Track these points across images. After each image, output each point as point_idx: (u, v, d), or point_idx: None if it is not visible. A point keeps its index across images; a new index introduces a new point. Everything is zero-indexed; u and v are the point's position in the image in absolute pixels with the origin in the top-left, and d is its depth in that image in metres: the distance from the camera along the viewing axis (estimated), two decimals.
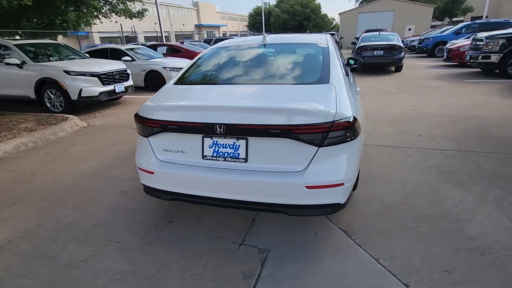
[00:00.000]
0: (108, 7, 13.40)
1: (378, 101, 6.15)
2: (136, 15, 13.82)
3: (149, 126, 1.90)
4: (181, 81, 2.31)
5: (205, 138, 1.80)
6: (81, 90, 5.92)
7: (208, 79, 2.30)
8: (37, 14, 13.10)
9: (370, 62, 10.25)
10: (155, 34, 27.39)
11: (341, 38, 24.65)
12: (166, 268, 1.86)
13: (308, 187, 1.67)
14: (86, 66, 6.24)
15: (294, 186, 1.67)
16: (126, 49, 9.00)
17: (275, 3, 51.70)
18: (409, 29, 30.00)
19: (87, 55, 7.82)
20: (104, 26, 20.76)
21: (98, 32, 32.03)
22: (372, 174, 2.99)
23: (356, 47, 10.58)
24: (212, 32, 56.66)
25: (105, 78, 6.30)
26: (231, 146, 1.76)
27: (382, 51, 9.99)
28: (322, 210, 1.77)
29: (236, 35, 57.45)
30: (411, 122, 4.62)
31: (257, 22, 49.42)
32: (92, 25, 16.81)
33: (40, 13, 13.02)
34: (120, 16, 13.69)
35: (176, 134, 1.84)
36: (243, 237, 2.12)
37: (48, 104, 6.20)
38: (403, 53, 9.96)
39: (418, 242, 2.01)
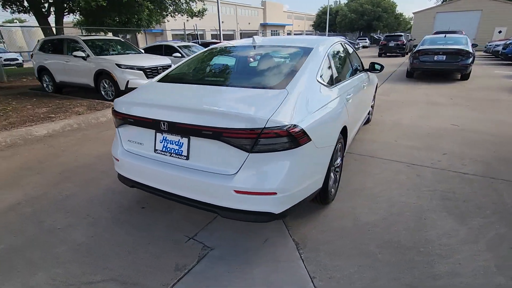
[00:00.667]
0: (173, 7, 14.55)
1: (419, 112, 5.54)
2: (197, 14, 14.81)
3: (117, 118, 2.10)
4: (163, 78, 2.47)
5: (157, 133, 1.93)
6: (128, 81, 6.65)
7: (181, 78, 2.42)
8: (116, 13, 14.85)
9: (429, 68, 9.22)
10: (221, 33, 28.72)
11: (411, 40, 22.51)
12: (117, 248, 2.05)
13: (237, 192, 1.67)
14: (135, 61, 6.96)
15: (224, 188, 1.69)
16: (178, 46, 9.70)
17: (346, 1, 49.66)
18: (499, 32, 25.88)
19: (142, 51, 8.68)
20: (178, 24, 22.64)
21: (172, 30, 34.99)
22: (362, 189, 2.77)
23: (414, 50, 9.61)
24: (276, 31, 57.11)
25: (150, 72, 6.94)
26: (176, 143, 1.84)
27: (445, 56, 8.87)
28: (254, 217, 1.74)
29: (300, 34, 56.93)
30: (444, 138, 4.08)
31: (323, 22, 48.07)
32: (162, 23, 18.50)
33: (119, 12, 14.74)
34: (182, 15, 14.82)
35: (135, 127, 2.01)
36: (196, 232, 2.20)
37: (102, 92, 7.11)
38: (471, 59, 8.71)
39: (369, 268, 1.83)
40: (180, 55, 9.25)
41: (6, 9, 11.09)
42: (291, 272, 1.82)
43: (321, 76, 2.24)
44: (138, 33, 19.85)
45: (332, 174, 2.44)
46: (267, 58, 2.54)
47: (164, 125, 1.80)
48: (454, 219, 2.30)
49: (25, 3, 11.39)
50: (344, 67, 2.97)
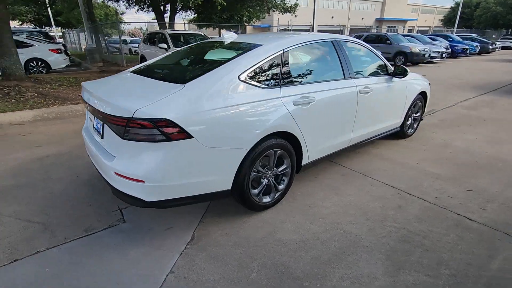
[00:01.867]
0: (269, 4, 15.07)
1: (493, 134, 4.27)
2: (289, 10, 14.93)
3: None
4: (135, 70, 2.75)
5: (91, 115, 2.27)
6: None
7: (142, 71, 2.61)
8: (220, 10, 16.37)
9: None
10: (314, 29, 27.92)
11: None
12: (58, 198, 2.53)
13: (116, 174, 1.84)
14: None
15: (109, 169, 1.88)
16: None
17: None
18: None
19: None
20: (286, 19, 23.37)
21: (280, 25, 36.13)
22: (312, 207, 2.47)
23: None
24: (394, 27, 51.35)
25: None
26: (100, 124, 2.13)
27: None
28: (130, 200, 1.86)
29: (426, 31, 49.40)
30: (490, 173, 3.09)
31: (456, 16, 40.18)
32: (263, 18, 19.41)
33: (222, 10, 16.22)
34: (274, 11, 15.21)
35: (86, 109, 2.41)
36: (127, 206, 2.47)
37: None
38: None
39: (230, 282, 1.71)
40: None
41: (132, 7, 13.90)
42: (158, 261, 1.88)
43: (252, 75, 2.12)
44: (243, 28, 21.36)
45: (262, 179, 2.30)
46: (210, 54, 2.53)
47: (88, 108, 2.12)
48: (386, 266, 1.84)
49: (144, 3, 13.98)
50: (316, 69, 2.64)
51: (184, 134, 1.76)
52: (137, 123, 1.70)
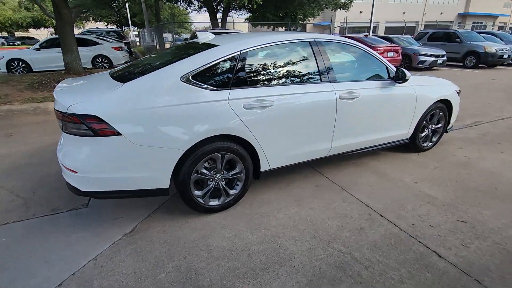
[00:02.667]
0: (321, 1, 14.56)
1: None
2: (342, 6, 14.15)
3: None
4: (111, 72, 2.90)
5: None
6: None
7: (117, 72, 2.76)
8: (273, 9, 16.41)
9: None
10: (402, 25, 25.81)
11: None
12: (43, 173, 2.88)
13: (61, 164, 2.03)
14: None
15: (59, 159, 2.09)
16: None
17: None
18: None
19: None
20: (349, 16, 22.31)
21: (341, 22, 34.38)
22: (263, 215, 2.36)
23: None
24: (482, 23, 44.68)
25: None
26: None
27: None
28: (71, 188, 2.03)
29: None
30: (504, 202, 2.52)
31: None
32: (317, 16, 18.87)
33: (275, 8, 16.24)
34: (326, 8, 14.59)
35: None
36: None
37: None
38: None
39: (134, 276, 1.76)
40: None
41: (187, 7, 14.83)
42: (90, 246, 2.01)
43: (199, 76, 2.10)
44: (302, 27, 21.04)
45: (210, 182, 2.28)
46: (170, 55, 2.54)
47: None
48: (288, 286, 1.67)
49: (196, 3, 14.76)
50: (281, 71, 2.47)
51: (112, 131, 1.85)
52: (69, 118, 1.85)
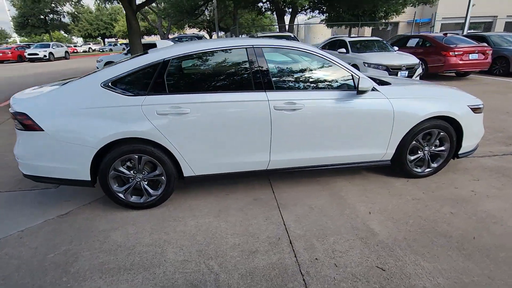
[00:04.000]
0: None
1: None
2: (425, 1, 12.27)
3: None
4: None
5: None
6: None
7: None
8: (347, 8, 15.62)
9: None
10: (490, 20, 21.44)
11: None
12: None
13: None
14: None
15: None
16: (349, 41, 9.15)
17: None
18: None
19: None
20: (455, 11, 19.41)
21: (444, 18, 29.51)
22: (166, 217, 2.40)
23: None
24: None
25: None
26: None
27: None
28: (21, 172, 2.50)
29: None
30: (469, 254, 1.91)
31: None
32: (402, 13, 17.01)
33: (350, 7, 15.44)
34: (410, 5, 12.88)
35: None
36: None
37: None
38: None
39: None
40: (345, 51, 8.80)
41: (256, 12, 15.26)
42: (22, 220, 2.44)
43: (118, 83, 2.29)
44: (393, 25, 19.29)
45: (131, 180, 2.45)
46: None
47: None
48: None
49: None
50: (206, 78, 2.46)
51: (37, 127, 2.22)
52: (12, 115, 2.29)
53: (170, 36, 24.35)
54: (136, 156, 2.37)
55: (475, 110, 2.84)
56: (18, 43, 33.23)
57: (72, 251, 2.08)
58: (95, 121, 2.24)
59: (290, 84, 2.56)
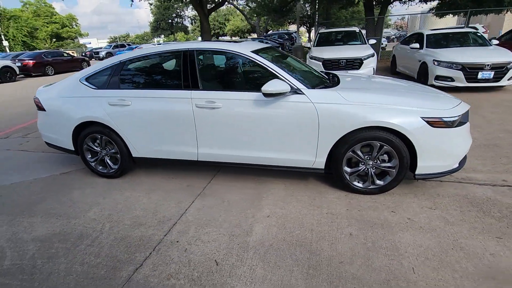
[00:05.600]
0: None
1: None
2: None
3: None
4: None
5: None
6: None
7: None
8: None
9: None
10: None
11: None
12: None
13: None
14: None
15: None
16: (427, 34, 7.75)
17: None
18: None
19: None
20: None
21: None
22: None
23: None
24: None
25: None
26: None
27: None
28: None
29: None
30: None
31: None
32: None
33: None
34: None
35: None
36: None
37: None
38: None
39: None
40: (418, 46, 7.57)
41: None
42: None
43: (90, 79, 3.02)
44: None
45: (99, 154, 3.19)
46: None
47: None
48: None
49: None
50: (146, 77, 2.94)
51: (42, 107, 3.18)
52: (34, 100, 3.33)
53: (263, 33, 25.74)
54: (99, 136, 3.07)
55: (435, 123, 2.33)
56: (156, 43, 42.24)
57: (45, 196, 2.95)
58: (73, 106, 3.04)
59: (214, 84, 2.75)
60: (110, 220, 2.50)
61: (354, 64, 7.13)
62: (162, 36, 42.20)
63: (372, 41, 8.52)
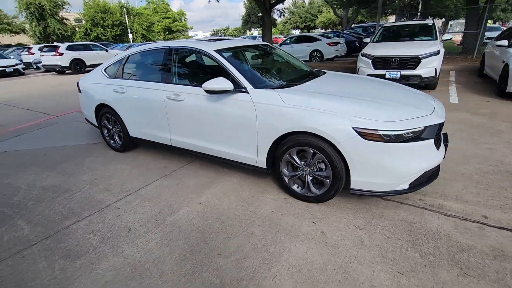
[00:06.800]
0: None
1: None
2: None
3: None
4: None
5: None
6: None
7: None
8: None
9: None
10: None
11: None
12: None
13: None
14: None
15: None
16: None
17: None
18: None
19: None
20: None
21: None
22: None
23: None
24: None
25: None
26: None
27: None
28: None
29: None
30: None
31: None
32: None
33: None
34: None
35: None
36: None
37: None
38: None
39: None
40: (506, 43, 6.10)
41: None
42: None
43: (106, 69, 3.74)
44: None
45: (111, 131, 3.95)
46: None
47: None
48: None
49: None
50: (149, 71, 3.30)
51: (80, 90, 4.10)
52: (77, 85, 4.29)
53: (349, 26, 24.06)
54: (109, 116, 3.79)
55: (368, 135, 2.10)
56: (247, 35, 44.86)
57: (69, 158, 3.84)
58: (94, 90, 3.84)
59: (182, 79, 3.04)
60: (92, 183, 3.15)
61: (410, 63, 6.28)
62: (253, 29, 44.24)
63: (447, 36, 7.26)
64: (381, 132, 2.08)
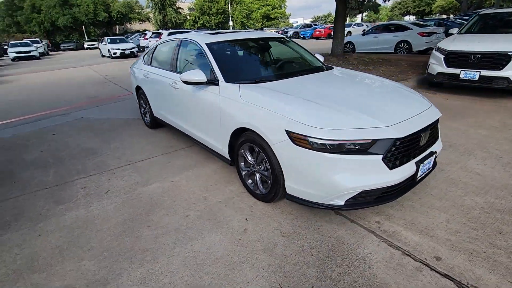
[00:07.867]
0: None
1: None
2: None
3: None
4: None
5: None
6: None
7: None
8: None
9: None
10: None
11: None
12: None
13: None
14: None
15: None
16: None
17: None
18: None
19: None
20: None
21: None
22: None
23: None
24: None
25: None
26: None
27: None
28: None
29: None
30: None
31: None
32: None
33: None
34: None
35: None
36: None
37: None
38: None
39: None
40: None
41: None
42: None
43: (144, 56, 4.38)
44: None
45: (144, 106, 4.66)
46: None
47: None
48: None
49: None
50: (165, 59, 3.72)
51: (131, 72, 4.93)
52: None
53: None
54: (142, 97, 4.47)
55: (297, 140, 1.97)
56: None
57: (112, 129, 4.72)
58: (135, 74, 4.56)
59: (181, 68, 3.33)
60: (113, 150, 3.86)
61: (495, 61, 4.99)
62: (357, 15, 41.17)
63: None
64: (310, 139, 1.93)
